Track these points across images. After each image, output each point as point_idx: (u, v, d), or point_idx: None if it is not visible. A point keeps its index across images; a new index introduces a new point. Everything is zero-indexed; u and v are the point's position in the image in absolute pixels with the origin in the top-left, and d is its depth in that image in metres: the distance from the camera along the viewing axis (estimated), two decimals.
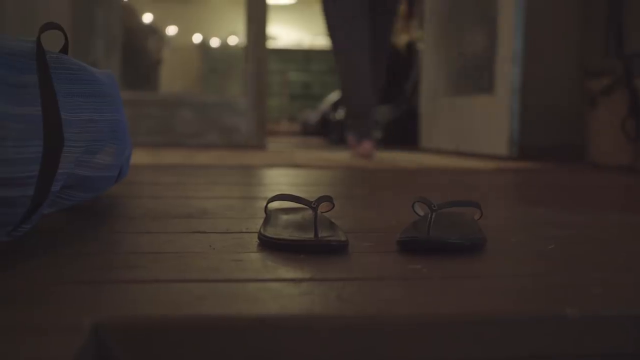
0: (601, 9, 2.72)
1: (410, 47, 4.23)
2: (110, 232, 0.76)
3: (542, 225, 0.89)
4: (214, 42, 6.32)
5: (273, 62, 6.84)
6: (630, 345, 0.47)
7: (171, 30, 5.77)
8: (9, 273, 0.54)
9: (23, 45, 0.64)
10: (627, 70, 2.26)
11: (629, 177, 1.93)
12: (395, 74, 4.19)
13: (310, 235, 0.66)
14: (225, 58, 6.11)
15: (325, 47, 6.84)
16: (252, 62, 3.24)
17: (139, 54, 4.33)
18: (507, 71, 2.69)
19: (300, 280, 0.53)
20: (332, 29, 2.63)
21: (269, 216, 0.77)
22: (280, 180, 1.55)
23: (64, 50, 0.77)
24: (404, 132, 3.92)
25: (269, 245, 0.67)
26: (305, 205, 0.69)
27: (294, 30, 7.47)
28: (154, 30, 4.90)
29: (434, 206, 0.69)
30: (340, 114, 4.29)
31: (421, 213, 0.81)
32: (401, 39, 4.35)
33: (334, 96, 5.07)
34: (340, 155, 2.66)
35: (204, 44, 6.30)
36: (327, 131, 4.87)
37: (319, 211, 0.69)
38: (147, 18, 5.02)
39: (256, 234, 0.73)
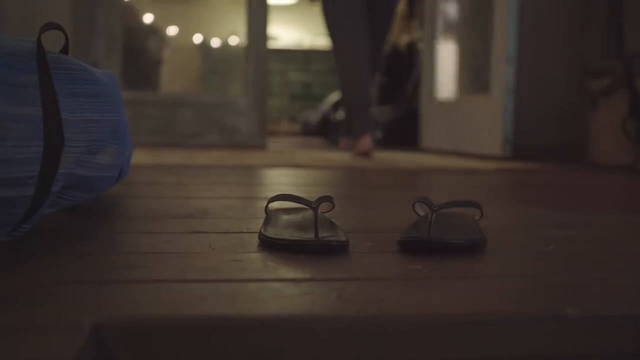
0: (601, 9, 2.72)
1: (411, 47, 4.23)
2: (111, 232, 0.76)
3: (542, 225, 0.89)
4: (215, 42, 6.32)
5: (274, 62, 6.84)
6: (630, 346, 0.47)
7: (172, 30, 5.77)
8: (9, 273, 0.54)
9: (23, 45, 0.64)
10: (627, 71, 2.26)
11: (629, 177, 1.93)
12: (396, 74, 4.19)
13: (310, 235, 0.66)
14: (226, 58, 6.11)
15: (326, 48, 6.83)
16: (253, 62, 3.24)
17: (140, 54, 4.33)
18: (502, 71, 2.69)
19: (301, 281, 0.53)
20: (332, 29, 2.65)
21: (270, 216, 0.77)
22: (280, 180, 1.55)
23: (65, 50, 0.77)
24: (404, 133, 3.92)
25: (269, 245, 0.67)
26: (306, 205, 0.69)
27: (295, 30, 7.47)
28: (155, 31, 4.90)
29: (435, 206, 0.69)
30: (340, 114, 4.29)
31: (422, 213, 0.81)
32: (402, 39, 4.35)
33: (334, 96, 5.07)
34: (341, 156, 2.66)
35: (205, 44, 6.30)
36: (328, 131, 4.87)
37: (319, 211, 0.69)
38: (148, 18, 5.02)
39: (256, 234, 0.73)
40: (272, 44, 6.96)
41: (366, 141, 2.53)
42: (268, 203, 0.77)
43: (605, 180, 1.76)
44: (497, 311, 0.47)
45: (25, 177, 0.60)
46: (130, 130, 0.89)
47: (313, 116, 5.72)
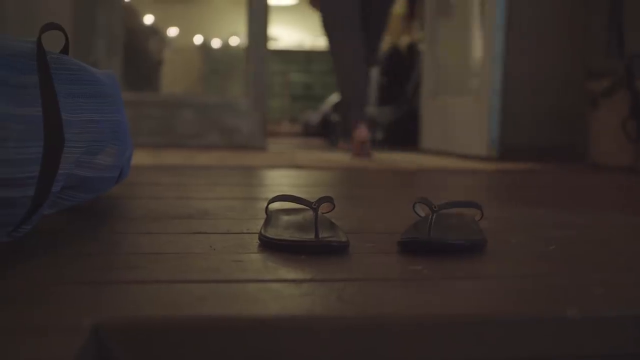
0: (602, 9, 2.72)
1: (412, 48, 4.23)
2: (111, 232, 0.76)
3: (542, 226, 0.89)
4: (215, 43, 6.32)
5: (274, 63, 6.84)
6: (630, 346, 0.47)
7: (172, 31, 5.77)
8: (9, 273, 0.54)
9: (24, 45, 0.64)
10: (628, 72, 2.26)
11: (629, 177, 1.92)
12: (397, 75, 4.19)
13: (310, 236, 0.66)
14: (227, 59, 6.11)
15: (327, 48, 6.84)
16: (253, 62, 3.24)
17: (140, 54, 4.33)
18: (489, 71, 2.69)
19: (301, 281, 0.53)
20: (329, 30, 2.71)
21: (270, 217, 0.77)
22: (281, 181, 1.55)
23: (65, 50, 0.77)
24: (405, 133, 3.91)
25: (269, 246, 0.67)
26: (306, 206, 0.69)
27: (295, 31, 7.47)
28: (155, 31, 4.90)
29: (435, 207, 0.69)
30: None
31: (422, 214, 0.81)
32: (402, 40, 4.35)
33: (335, 97, 5.07)
34: (341, 156, 2.66)
35: (205, 45, 6.30)
36: (328, 132, 4.87)
37: (319, 212, 0.69)
38: (149, 19, 5.02)
39: (257, 235, 0.73)
40: (273, 45, 6.95)
41: (362, 131, 2.57)
42: (268, 204, 0.77)
43: (605, 181, 1.76)
44: (497, 312, 0.47)
45: (25, 178, 0.60)
46: (130, 130, 0.89)
47: (314, 117, 5.71)
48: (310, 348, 0.43)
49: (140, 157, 2.16)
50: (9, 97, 0.60)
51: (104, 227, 0.79)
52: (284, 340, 0.43)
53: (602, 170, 2.21)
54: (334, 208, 0.78)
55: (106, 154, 0.82)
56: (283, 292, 0.50)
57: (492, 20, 2.69)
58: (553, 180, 1.72)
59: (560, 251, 0.70)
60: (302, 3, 7.15)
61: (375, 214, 0.98)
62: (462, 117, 2.97)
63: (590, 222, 0.94)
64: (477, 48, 2.83)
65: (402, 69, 4.21)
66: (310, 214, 0.78)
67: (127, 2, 3.99)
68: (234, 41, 6.19)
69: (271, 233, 0.68)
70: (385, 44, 4.24)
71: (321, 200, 0.70)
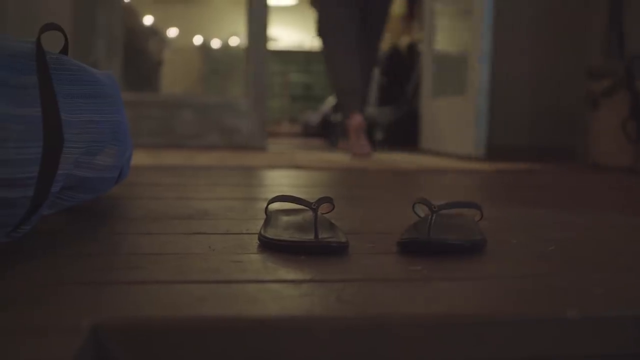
0: (601, 9, 2.72)
1: (412, 48, 4.23)
2: (111, 233, 0.76)
3: (542, 226, 0.89)
4: (215, 43, 6.32)
5: (274, 63, 6.84)
6: (631, 346, 0.46)
7: (172, 31, 5.77)
8: (8, 274, 0.53)
9: (24, 46, 0.64)
10: (628, 72, 2.26)
11: (629, 178, 1.92)
12: (397, 76, 4.19)
13: (310, 236, 0.66)
14: (226, 59, 6.11)
15: (320, 49, 6.85)
16: (253, 63, 3.24)
17: (140, 55, 4.33)
18: (477, 71, 2.69)
19: (301, 282, 0.53)
20: (323, 35, 2.79)
21: (269, 217, 0.77)
22: (281, 181, 1.55)
23: (64, 51, 0.77)
24: (405, 134, 3.92)
25: (269, 246, 0.67)
26: (306, 206, 0.69)
27: (295, 31, 7.47)
28: (155, 32, 4.90)
29: (435, 207, 0.69)
30: (339, 116, 4.29)
31: (421, 214, 0.81)
32: (402, 40, 4.35)
33: (334, 98, 5.07)
34: (341, 157, 2.66)
35: (205, 45, 6.30)
36: (328, 132, 4.87)
37: (319, 212, 0.69)
38: (148, 19, 5.02)
39: (256, 235, 0.73)
40: (273, 45, 6.96)
41: (357, 118, 2.59)
42: (268, 204, 0.77)
43: (605, 181, 1.76)
44: (497, 312, 0.47)
45: (25, 178, 0.60)
46: (130, 131, 0.89)
47: (313, 117, 5.71)
48: (310, 349, 0.43)
49: (140, 158, 2.16)
50: (9, 98, 0.60)
51: (103, 228, 0.79)
52: (283, 340, 0.43)
53: (602, 171, 2.21)
54: (333, 208, 0.77)
55: (106, 155, 0.82)
56: (282, 292, 0.50)
57: (480, 20, 2.68)
58: (553, 181, 1.72)
59: (560, 251, 0.70)
60: (302, 3, 7.16)
61: (374, 214, 0.98)
62: (453, 117, 2.98)
63: (590, 222, 0.94)
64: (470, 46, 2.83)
65: (402, 69, 4.21)
66: (309, 214, 0.78)
67: (127, 3, 3.99)
68: (234, 41, 6.19)
69: (271, 233, 0.68)
70: (385, 44, 4.24)
71: (321, 200, 0.70)
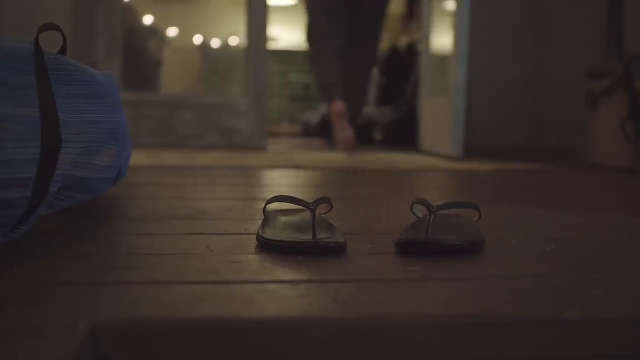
0: (601, 9, 2.72)
1: (411, 48, 4.23)
2: (110, 233, 0.75)
3: (541, 226, 0.89)
4: (215, 43, 6.32)
5: (274, 63, 6.84)
6: (631, 346, 0.46)
7: (172, 31, 5.77)
8: (7, 274, 0.53)
9: (22, 46, 0.64)
10: (627, 72, 2.26)
11: (628, 178, 1.92)
12: (396, 76, 4.19)
13: (308, 237, 0.66)
14: (226, 59, 6.10)
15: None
16: (253, 63, 3.24)
17: (140, 55, 4.33)
18: (455, 71, 2.70)
19: (298, 282, 0.53)
20: (311, 41, 3.08)
21: (268, 218, 0.77)
22: (280, 181, 1.55)
23: (63, 51, 0.77)
24: (405, 134, 3.91)
25: (267, 247, 0.66)
26: (304, 207, 0.69)
27: (295, 31, 7.47)
28: (155, 32, 4.90)
29: (433, 208, 0.69)
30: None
31: (420, 215, 0.81)
32: (402, 41, 4.35)
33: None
34: (340, 157, 2.66)
35: (205, 45, 6.29)
36: (327, 133, 4.87)
37: (317, 213, 0.69)
38: (148, 19, 5.02)
39: (255, 236, 0.73)
40: (272, 45, 6.95)
41: (339, 104, 2.67)
42: (266, 205, 0.77)
43: (605, 181, 1.76)
44: (496, 313, 0.46)
45: (24, 179, 0.60)
46: (130, 131, 0.89)
47: (313, 117, 5.71)
48: (308, 349, 0.43)
49: (139, 158, 2.16)
50: (8, 98, 0.60)
51: (102, 228, 0.79)
52: (281, 341, 0.43)
53: (601, 171, 2.21)
54: (332, 209, 0.77)
55: (105, 155, 0.82)
56: (280, 293, 0.50)
57: (460, 21, 2.68)
58: (552, 181, 1.72)
59: (559, 252, 0.70)
60: (302, 3, 7.16)
61: (373, 214, 0.98)
62: (440, 117, 3.00)
63: (590, 222, 0.94)
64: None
65: (402, 69, 4.21)
66: (308, 215, 0.78)
67: (127, 2, 3.98)
68: (234, 41, 6.18)
69: (269, 234, 0.68)
70: (385, 44, 4.24)
71: (319, 201, 0.70)
